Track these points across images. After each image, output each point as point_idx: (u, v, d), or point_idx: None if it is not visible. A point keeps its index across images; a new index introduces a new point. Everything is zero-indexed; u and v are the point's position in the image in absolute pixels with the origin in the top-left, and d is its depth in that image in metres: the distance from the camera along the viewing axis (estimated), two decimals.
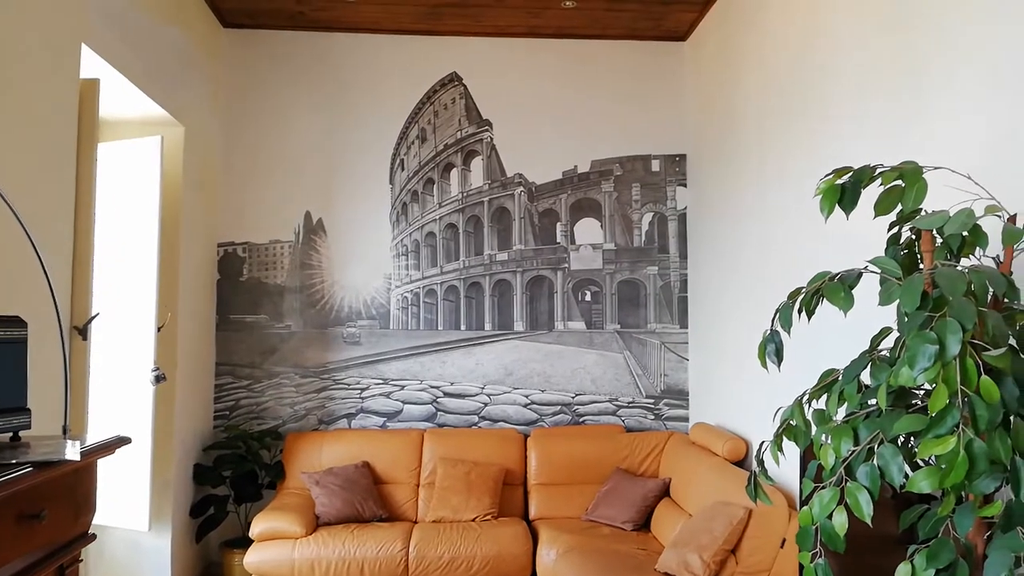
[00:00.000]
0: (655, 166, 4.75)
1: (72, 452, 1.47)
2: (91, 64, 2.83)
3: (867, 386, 1.45)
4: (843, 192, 1.41)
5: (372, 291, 4.64)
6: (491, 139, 4.72)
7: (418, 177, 4.70)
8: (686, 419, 4.61)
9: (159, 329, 3.54)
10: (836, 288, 1.43)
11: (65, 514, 1.56)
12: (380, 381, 4.59)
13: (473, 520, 3.84)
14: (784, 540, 2.84)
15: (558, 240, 4.71)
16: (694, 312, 4.60)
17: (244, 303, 4.57)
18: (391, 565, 3.49)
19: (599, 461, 4.22)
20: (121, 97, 3.25)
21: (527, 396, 4.60)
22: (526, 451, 4.31)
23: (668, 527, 3.52)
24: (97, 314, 2.77)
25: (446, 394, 4.59)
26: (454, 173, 4.72)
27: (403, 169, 4.69)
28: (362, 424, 4.54)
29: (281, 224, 4.60)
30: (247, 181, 4.58)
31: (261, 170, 4.59)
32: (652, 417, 4.63)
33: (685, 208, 4.72)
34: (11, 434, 1.64)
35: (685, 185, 4.72)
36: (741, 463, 3.57)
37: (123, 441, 1.70)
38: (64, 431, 1.95)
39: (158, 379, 3.47)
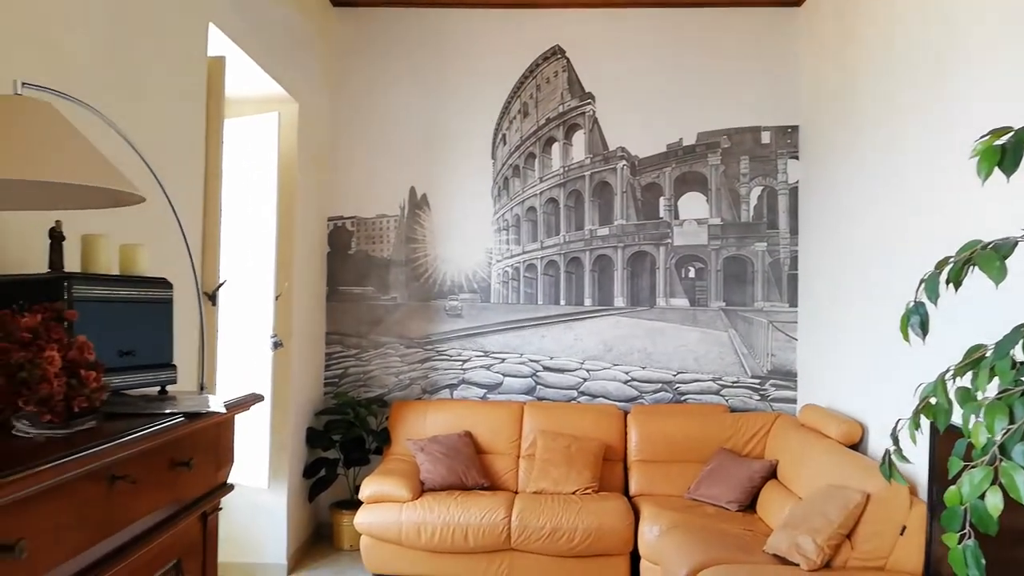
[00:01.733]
0: (765, 138, 4.57)
1: (217, 405, 1.56)
2: (217, 43, 2.96)
3: (1021, 363, 1.36)
4: (1003, 153, 1.30)
5: (473, 265, 4.70)
6: (593, 112, 4.66)
7: (520, 152, 4.70)
8: (794, 400, 4.46)
9: (277, 298, 3.71)
10: (990, 257, 1.34)
11: (209, 464, 1.66)
12: (481, 353, 4.65)
13: (573, 493, 3.86)
14: (904, 528, 2.71)
15: (661, 215, 4.62)
16: (805, 290, 4.42)
17: (352, 275, 4.72)
18: (494, 532, 3.56)
19: (701, 440, 4.15)
20: (242, 75, 3.40)
21: (627, 373, 4.57)
22: (626, 427, 4.29)
23: (776, 509, 3.43)
24: (224, 281, 2.93)
25: (546, 368, 4.61)
26: (556, 147, 4.70)
27: (505, 144, 4.70)
28: (463, 395, 4.63)
29: (387, 199, 4.72)
30: (355, 157, 4.71)
31: (368, 146, 4.70)
32: (758, 398, 4.50)
33: (796, 182, 4.53)
34: (160, 388, 1.76)
35: (797, 158, 4.53)
36: (855, 447, 3.43)
37: (258, 398, 1.80)
38: (201, 388, 2.08)
39: (276, 345, 3.65)
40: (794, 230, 4.53)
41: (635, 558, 3.62)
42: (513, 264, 4.68)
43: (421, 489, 3.83)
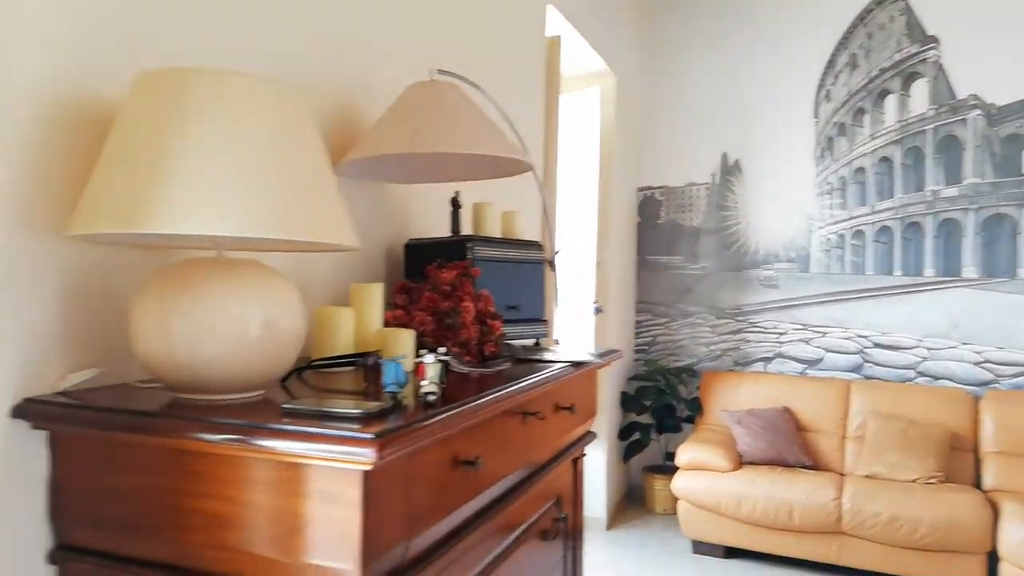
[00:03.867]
0: None
1: (591, 356, 1.68)
2: (553, 23, 3.14)
3: None
4: None
5: (791, 232, 4.45)
6: (937, 57, 4.11)
7: (846, 108, 4.32)
8: None
9: (597, 266, 3.87)
10: None
11: (581, 412, 1.80)
12: (799, 326, 4.41)
13: (913, 481, 3.51)
14: None
15: None
16: None
17: (661, 244, 4.75)
18: (823, 513, 3.37)
19: None
20: (572, 53, 3.57)
21: (979, 353, 4.00)
22: (978, 414, 3.78)
23: None
24: (560, 250, 3.12)
25: (876, 345, 4.22)
26: (890, 100, 4.23)
27: (829, 100, 4.35)
28: (779, 369, 4.43)
29: (698, 167, 4.65)
30: (665, 126, 4.70)
31: (679, 114, 4.67)
32: None
33: None
34: (534, 340, 1.94)
35: None
36: None
37: (617, 354, 1.89)
38: (537, 343, 2.25)
39: (597, 311, 3.82)
40: None
41: (992, 559, 3.19)
42: (837, 231, 4.34)
43: (740, 461, 3.76)
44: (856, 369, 4.25)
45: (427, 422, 0.93)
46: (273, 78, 0.96)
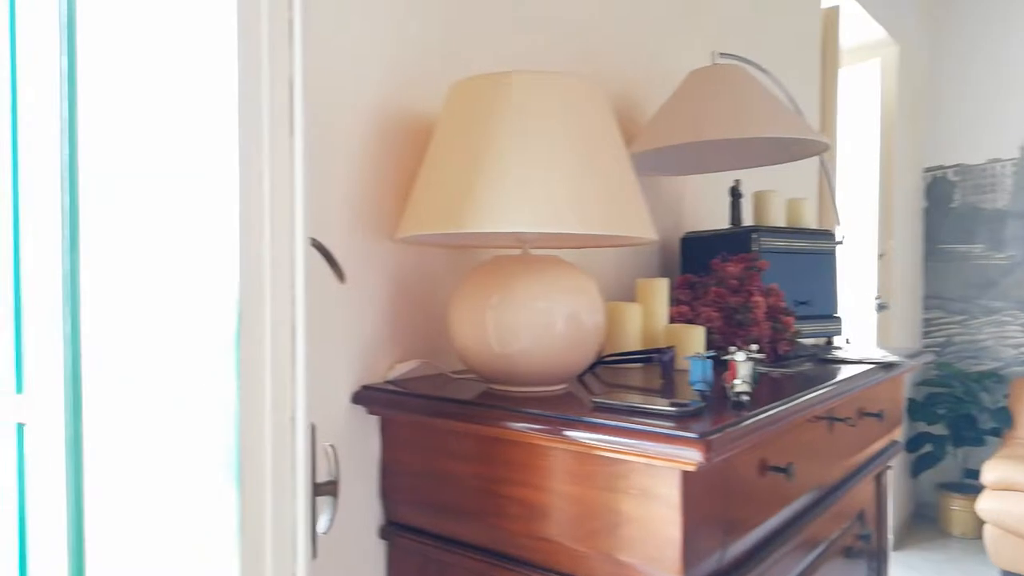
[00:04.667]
0: None
1: (901, 358, 1.49)
2: None
3: None
4: None
5: None
6: None
7: None
8: None
9: (880, 257, 3.49)
10: None
11: (888, 420, 1.61)
12: None
13: None
14: None
15: None
16: None
17: (954, 232, 4.16)
18: None
19: None
20: (847, 23, 3.25)
21: None
22: None
23: None
24: (843, 239, 2.85)
25: None
26: None
27: None
28: None
29: (1002, 140, 4.00)
30: (956, 97, 4.11)
31: (975, 82, 4.05)
32: None
33: None
34: (825, 339, 1.78)
35: None
36: None
37: (925, 355, 1.67)
38: (829, 342, 2.04)
39: (880, 307, 3.44)
40: None
41: None
42: None
43: None
44: None
45: (745, 424, 0.87)
46: (578, 75, 0.96)
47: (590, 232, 0.91)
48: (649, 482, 0.84)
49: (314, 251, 0.88)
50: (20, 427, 1.08)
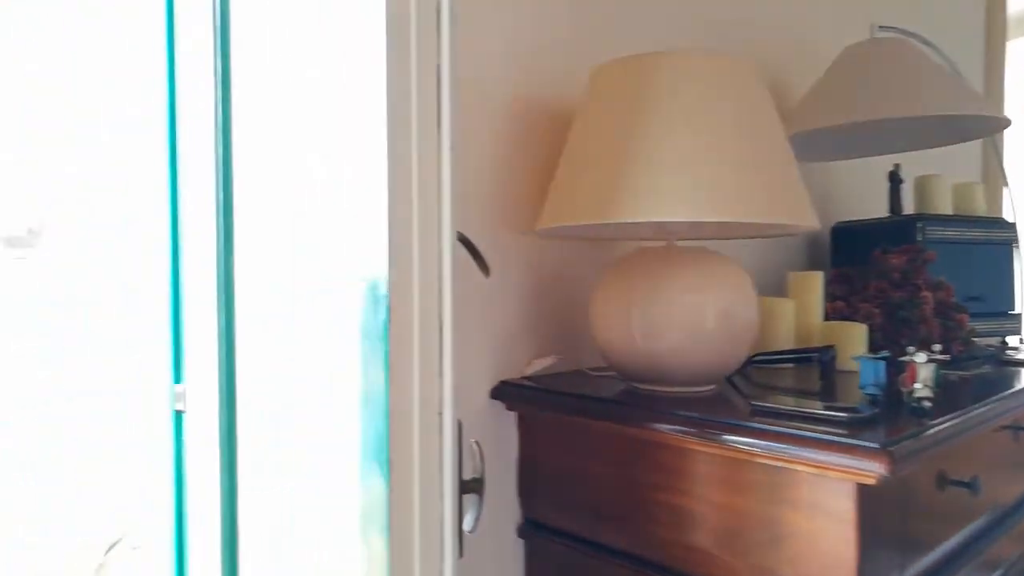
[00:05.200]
0: None
1: None
2: None
3: None
4: None
5: None
6: None
7: None
8: None
9: None
10: None
11: None
12: None
13: None
14: None
15: None
16: None
17: None
18: None
19: None
20: None
21: None
22: None
23: None
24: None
25: None
26: None
27: None
28: None
29: None
30: None
31: None
32: None
33: None
34: (1000, 339, 1.60)
35: None
36: None
37: None
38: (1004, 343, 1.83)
39: None
40: None
41: None
42: None
43: None
44: None
45: (930, 433, 0.78)
46: (729, 55, 0.89)
47: (757, 221, 0.84)
48: (818, 494, 0.77)
49: (459, 244, 0.86)
50: (178, 415, 1.14)
